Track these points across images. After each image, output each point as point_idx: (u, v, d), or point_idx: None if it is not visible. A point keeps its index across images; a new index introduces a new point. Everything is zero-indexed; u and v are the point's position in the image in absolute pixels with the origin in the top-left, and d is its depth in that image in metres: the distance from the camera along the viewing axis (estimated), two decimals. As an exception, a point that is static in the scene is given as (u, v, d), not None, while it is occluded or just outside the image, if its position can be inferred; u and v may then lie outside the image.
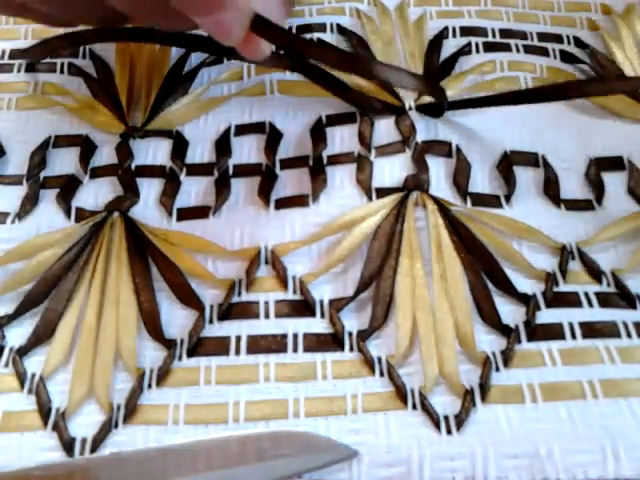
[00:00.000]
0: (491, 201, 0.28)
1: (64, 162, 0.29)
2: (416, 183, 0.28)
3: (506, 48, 0.33)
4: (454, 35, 0.33)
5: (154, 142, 0.30)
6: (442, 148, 0.29)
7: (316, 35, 0.33)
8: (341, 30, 0.33)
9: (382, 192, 0.28)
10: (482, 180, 0.28)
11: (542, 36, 0.33)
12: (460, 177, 0.28)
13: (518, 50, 0.32)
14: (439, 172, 0.28)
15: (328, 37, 0.33)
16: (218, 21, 0.23)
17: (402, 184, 0.28)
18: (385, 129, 0.30)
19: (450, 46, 0.33)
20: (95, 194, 0.28)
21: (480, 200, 0.28)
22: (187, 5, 0.22)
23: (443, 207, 0.27)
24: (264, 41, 0.25)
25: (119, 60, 0.32)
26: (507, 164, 0.29)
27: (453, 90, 0.31)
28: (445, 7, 0.34)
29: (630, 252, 0.27)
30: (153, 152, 0.30)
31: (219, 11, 0.22)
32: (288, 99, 0.31)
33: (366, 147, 0.29)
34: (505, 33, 0.33)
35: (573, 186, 0.28)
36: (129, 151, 0.29)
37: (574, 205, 0.28)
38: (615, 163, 0.29)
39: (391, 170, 0.28)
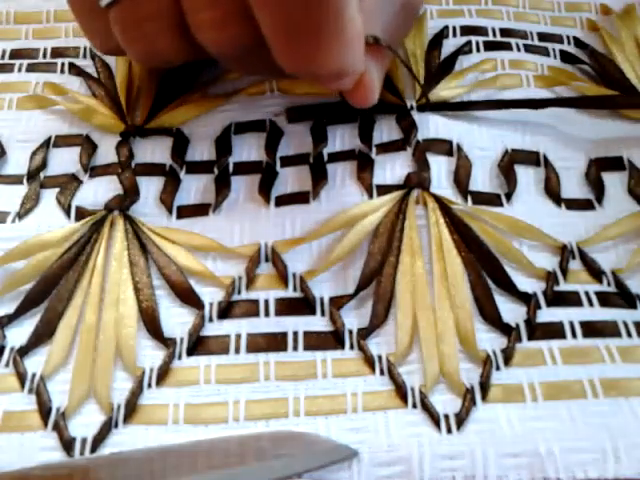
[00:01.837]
0: (492, 199, 0.28)
1: (64, 161, 0.29)
2: (417, 180, 0.28)
3: (507, 47, 0.32)
4: (454, 34, 0.33)
5: (154, 141, 0.30)
6: (443, 146, 0.29)
7: None
8: None
9: (383, 189, 0.28)
10: (483, 178, 0.28)
11: (542, 36, 0.33)
12: (461, 175, 0.28)
13: (519, 49, 0.32)
14: (440, 170, 0.28)
15: None
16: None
17: (403, 182, 0.28)
18: (386, 127, 0.30)
19: (450, 45, 0.33)
20: (95, 193, 0.28)
21: (481, 198, 0.28)
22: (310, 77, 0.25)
23: (444, 205, 0.27)
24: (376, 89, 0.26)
25: (119, 60, 0.32)
26: (508, 162, 0.29)
27: (454, 89, 0.31)
28: (445, 6, 0.34)
29: (630, 252, 0.27)
30: (153, 150, 0.30)
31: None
32: (288, 98, 0.31)
33: (367, 145, 0.29)
34: (505, 32, 0.33)
35: (573, 186, 0.28)
36: (129, 150, 0.29)
37: (574, 204, 0.28)
38: (615, 163, 0.29)
39: (392, 168, 0.28)
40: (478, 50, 0.32)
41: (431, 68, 0.32)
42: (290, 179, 0.29)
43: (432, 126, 0.30)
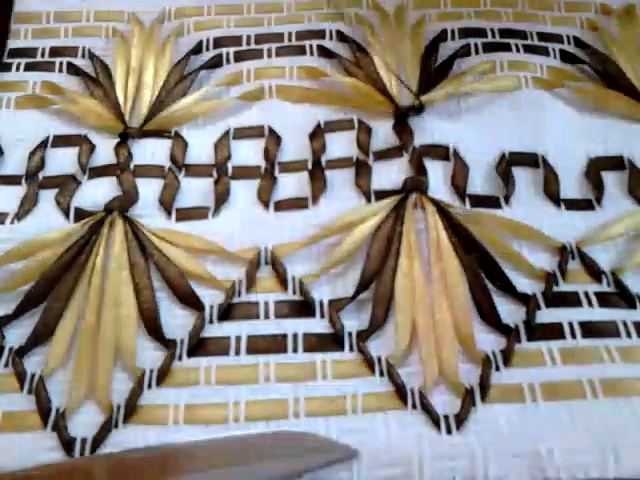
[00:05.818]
0: (490, 202, 0.28)
1: (63, 162, 0.29)
2: (415, 184, 0.28)
3: (506, 48, 0.32)
4: (453, 37, 0.33)
5: (153, 142, 0.30)
6: (440, 151, 0.29)
7: (315, 42, 0.33)
8: (341, 37, 0.33)
9: (381, 194, 0.28)
10: (481, 181, 0.29)
11: (542, 36, 0.33)
12: (458, 179, 0.28)
13: (518, 50, 0.32)
14: (437, 175, 0.28)
15: (328, 44, 0.33)
16: None
17: (401, 186, 0.28)
18: (383, 135, 0.30)
19: (449, 48, 0.32)
20: (94, 194, 0.28)
21: (479, 201, 0.28)
22: None
23: (442, 209, 0.27)
24: None
25: (118, 60, 0.32)
26: (506, 165, 0.29)
27: (455, 92, 0.31)
28: (444, 9, 0.34)
29: (630, 252, 0.27)
30: (152, 152, 0.30)
31: None
32: (286, 104, 0.31)
33: (364, 152, 0.29)
34: (505, 33, 0.33)
35: (573, 185, 0.28)
36: (128, 151, 0.29)
37: (574, 205, 0.28)
38: (615, 163, 0.29)
39: (389, 173, 0.29)
40: (477, 52, 0.32)
41: (428, 72, 0.31)
42: (289, 185, 0.29)
43: (428, 132, 0.30)
